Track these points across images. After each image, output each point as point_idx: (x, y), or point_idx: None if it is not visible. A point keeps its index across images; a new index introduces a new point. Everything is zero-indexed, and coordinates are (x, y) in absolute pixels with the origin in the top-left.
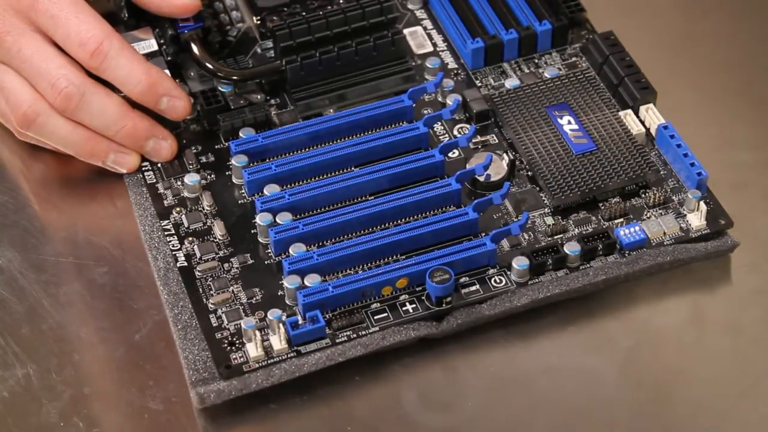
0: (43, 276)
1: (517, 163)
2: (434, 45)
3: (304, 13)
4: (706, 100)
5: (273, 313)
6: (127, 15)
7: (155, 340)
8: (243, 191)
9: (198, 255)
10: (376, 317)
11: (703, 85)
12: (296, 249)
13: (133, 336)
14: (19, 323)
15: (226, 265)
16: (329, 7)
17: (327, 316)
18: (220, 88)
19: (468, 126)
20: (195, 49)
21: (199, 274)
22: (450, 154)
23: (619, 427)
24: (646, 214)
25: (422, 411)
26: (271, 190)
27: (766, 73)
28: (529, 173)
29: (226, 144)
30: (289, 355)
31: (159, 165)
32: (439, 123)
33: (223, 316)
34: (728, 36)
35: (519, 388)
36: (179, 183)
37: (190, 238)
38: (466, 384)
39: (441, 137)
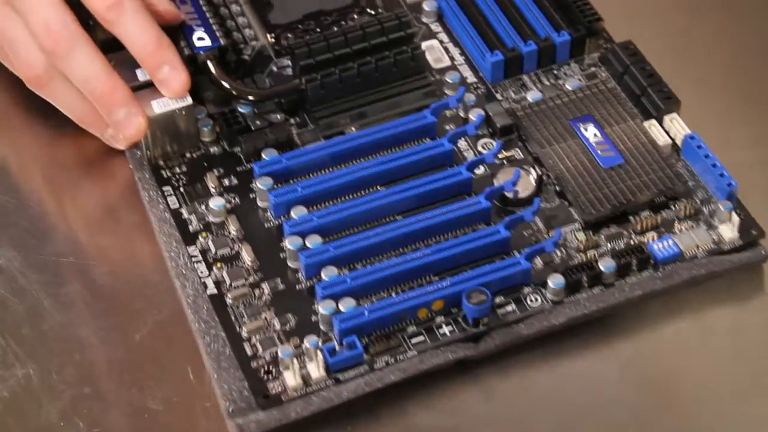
0: (43, 276)
1: (545, 177)
2: (452, 59)
3: (318, 30)
4: (706, 99)
5: (310, 341)
6: None
7: (156, 340)
8: (268, 214)
9: (228, 281)
10: (412, 340)
11: (703, 85)
12: (328, 273)
13: (133, 336)
14: (19, 323)
15: (257, 291)
16: (344, 23)
17: (364, 341)
18: (239, 109)
19: (492, 141)
20: (213, 69)
21: (231, 301)
22: (476, 170)
23: None
24: (677, 227)
25: None
26: (298, 212)
27: (765, 73)
28: (557, 188)
29: (249, 166)
30: (327, 383)
31: (181, 189)
32: (463, 138)
33: (258, 344)
34: (728, 35)
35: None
36: (203, 207)
37: (219, 264)
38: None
39: (465, 153)
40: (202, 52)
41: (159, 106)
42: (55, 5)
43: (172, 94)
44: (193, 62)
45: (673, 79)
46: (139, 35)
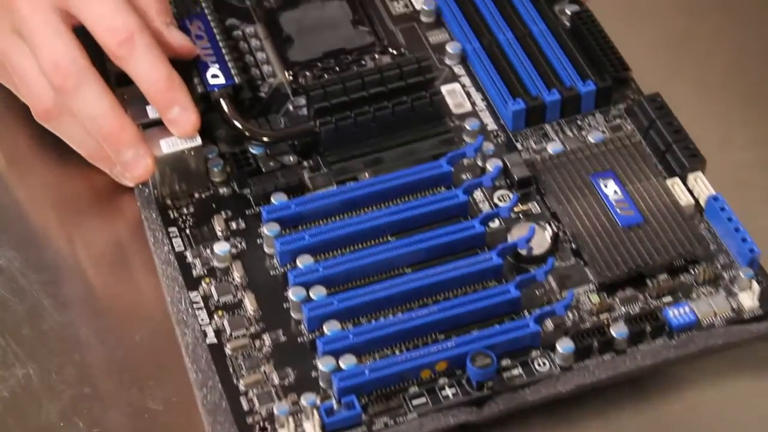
0: (43, 276)
1: (561, 234)
2: (473, 104)
3: (338, 69)
4: (706, 100)
5: (307, 398)
6: None
7: (156, 340)
8: (275, 261)
9: (228, 331)
10: (413, 402)
11: (704, 85)
12: (331, 327)
13: (133, 336)
14: (19, 323)
15: (257, 342)
16: (364, 62)
17: (363, 400)
18: (251, 150)
19: (509, 193)
20: (225, 108)
21: (230, 352)
22: (491, 223)
23: None
24: (695, 293)
25: None
26: (304, 261)
27: (765, 73)
28: (573, 246)
29: (258, 209)
30: None
31: (188, 231)
32: (479, 189)
33: (255, 399)
34: (728, 36)
35: None
36: (208, 251)
37: (220, 312)
38: None
39: (480, 204)
40: (215, 90)
41: (168, 146)
42: (64, 39)
43: (182, 135)
44: (206, 100)
45: (700, 133)
46: (149, 73)
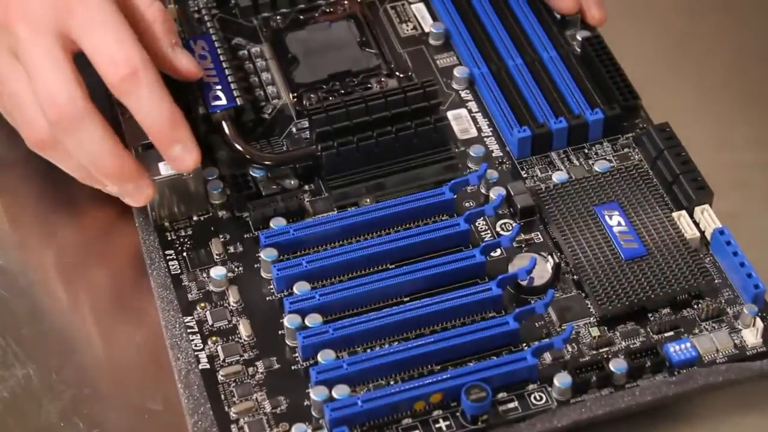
0: (43, 276)
1: (563, 265)
2: (479, 130)
3: (343, 91)
4: (706, 100)
5: (298, 428)
6: None
7: (155, 340)
8: (272, 286)
9: (221, 357)
10: None
11: (704, 85)
12: (325, 356)
13: (133, 336)
14: (19, 323)
15: (250, 369)
16: (370, 85)
17: (355, 431)
18: (251, 173)
19: (512, 222)
20: (227, 130)
21: (222, 378)
22: (492, 253)
23: None
24: (697, 328)
25: None
26: (300, 288)
27: (765, 73)
28: (575, 277)
29: (256, 233)
30: None
31: (185, 254)
32: (482, 217)
33: (246, 427)
34: (728, 36)
35: None
36: (205, 275)
37: (214, 338)
38: None
39: (483, 233)
40: (217, 111)
41: (167, 168)
42: (63, 72)
43: (181, 171)
44: (207, 121)
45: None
46: (151, 112)
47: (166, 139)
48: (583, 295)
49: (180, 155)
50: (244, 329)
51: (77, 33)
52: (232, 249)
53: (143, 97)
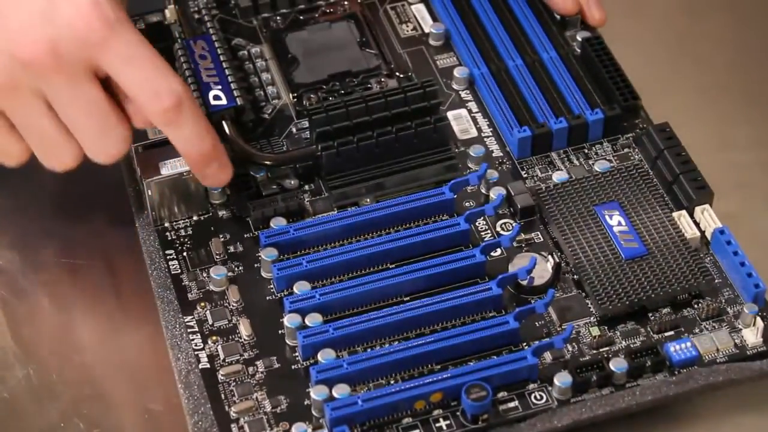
0: (43, 276)
1: (563, 265)
2: (479, 130)
3: (342, 91)
4: (706, 100)
5: (298, 428)
6: None
7: (155, 340)
8: (272, 286)
9: (222, 356)
10: None
11: (703, 85)
12: (325, 356)
13: (133, 336)
14: (19, 323)
15: (250, 368)
16: (370, 85)
17: (355, 430)
18: (251, 173)
19: (512, 222)
20: (227, 130)
21: (222, 378)
22: (492, 253)
23: None
24: (698, 327)
25: None
26: (301, 287)
27: (766, 73)
28: (575, 277)
29: (256, 233)
30: None
31: (185, 253)
32: (482, 217)
33: (246, 427)
34: (729, 36)
35: None
36: (205, 275)
37: (214, 338)
38: None
39: (483, 233)
40: (217, 111)
41: (167, 168)
42: (104, 116)
43: (216, 186)
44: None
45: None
46: (194, 139)
47: (204, 160)
48: (584, 294)
49: (215, 173)
50: (244, 329)
51: (115, 68)
52: (232, 249)
53: (187, 127)
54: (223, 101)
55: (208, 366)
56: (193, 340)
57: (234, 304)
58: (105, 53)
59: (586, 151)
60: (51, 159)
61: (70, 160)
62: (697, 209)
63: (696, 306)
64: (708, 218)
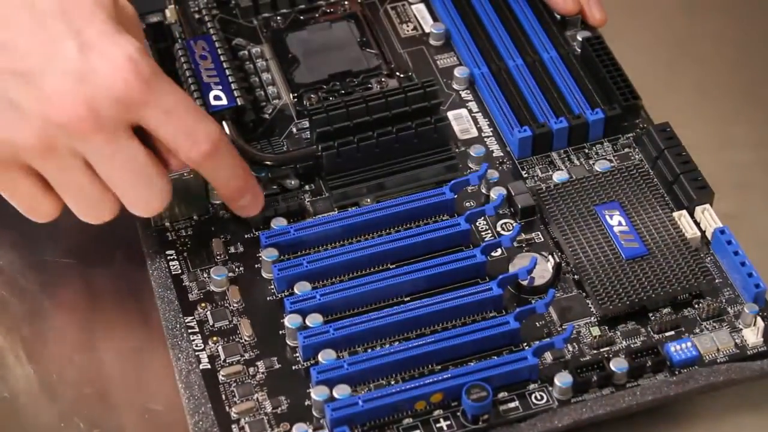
0: (43, 277)
1: (563, 265)
2: (479, 130)
3: (343, 91)
4: (706, 100)
5: (299, 428)
6: None
7: (156, 340)
8: (272, 286)
9: (222, 357)
10: None
11: (704, 84)
12: (326, 356)
13: (133, 336)
14: (19, 324)
15: (251, 369)
16: (370, 85)
17: (356, 431)
18: (252, 173)
19: (513, 222)
20: (227, 130)
21: (223, 378)
22: (492, 253)
23: None
24: (698, 327)
25: None
26: (301, 288)
27: (766, 73)
28: (576, 277)
29: (257, 234)
30: None
31: (185, 254)
32: (482, 217)
33: (247, 427)
34: (729, 36)
35: None
36: (205, 275)
37: (215, 338)
38: None
39: (484, 233)
40: (217, 111)
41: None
42: (146, 173)
43: (248, 216)
44: None
45: (710, 167)
46: (229, 178)
47: (239, 194)
48: (584, 294)
49: (248, 204)
50: (244, 329)
51: (154, 123)
52: (232, 249)
53: (223, 167)
54: (224, 101)
55: (209, 366)
56: (193, 340)
57: (235, 305)
58: (145, 110)
59: (586, 150)
60: (88, 214)
61: (109, 213)
62: (698, 209)
63: (696, 306)
64: (708, 218)
